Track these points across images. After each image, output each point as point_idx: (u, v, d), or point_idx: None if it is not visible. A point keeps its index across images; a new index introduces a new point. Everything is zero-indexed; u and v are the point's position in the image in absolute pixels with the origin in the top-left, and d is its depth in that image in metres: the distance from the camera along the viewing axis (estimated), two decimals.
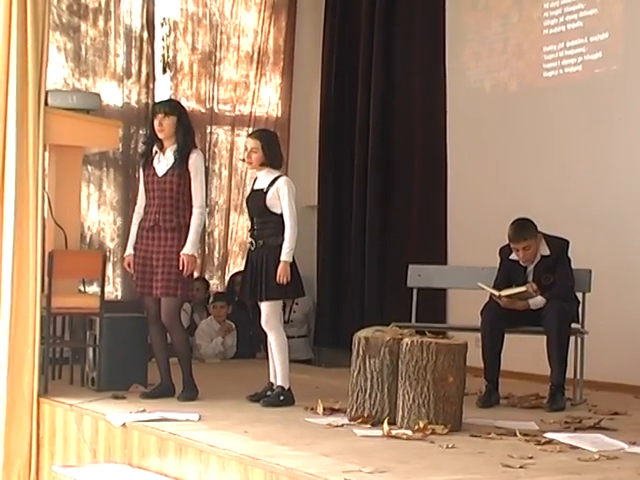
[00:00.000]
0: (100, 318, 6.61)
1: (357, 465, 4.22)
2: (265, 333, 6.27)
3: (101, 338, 6.59)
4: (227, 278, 9.66)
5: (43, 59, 6.29)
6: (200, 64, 9.73)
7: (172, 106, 6.39)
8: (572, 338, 6.30)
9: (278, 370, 6.15)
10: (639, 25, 7.29)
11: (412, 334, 5.45)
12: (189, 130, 6.31)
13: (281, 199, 6.14)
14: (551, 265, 6.41)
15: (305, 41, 10.08)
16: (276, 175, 6.22)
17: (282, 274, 6.05)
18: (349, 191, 9.51)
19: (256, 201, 6.24)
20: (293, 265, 6.13)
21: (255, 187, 6.32)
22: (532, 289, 6.29)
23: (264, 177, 6.25)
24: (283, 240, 6.10)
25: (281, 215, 6.15)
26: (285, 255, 6.07)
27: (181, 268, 6.15)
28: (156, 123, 6.24)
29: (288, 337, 6.31)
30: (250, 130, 9.34)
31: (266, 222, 6.18)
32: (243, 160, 6.64)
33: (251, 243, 6.25)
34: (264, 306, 6.15)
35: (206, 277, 9.64)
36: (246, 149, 6.38)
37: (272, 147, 6.25)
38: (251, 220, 6.32)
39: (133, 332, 6.66)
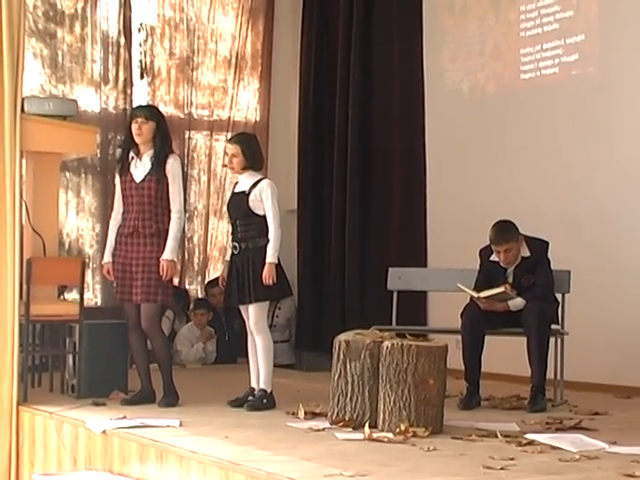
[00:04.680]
0: (80, 325, 6.57)
1: (338, 469, 4.21)
2: (246, 338, 6.27)
3: (81, 345, 6.56)
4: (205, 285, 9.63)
5: (19, 66, 6.26)
6: (178, 69, 9.71)
7: (152, 112, 6.37)
8: (552, 339, 6.32)
9: (262, 373, 6.14)
10: (615, 27, 7.33)
11: (392, 337, 5.44)
12: (166, 138, 6.30)
13: (264, 201, 6.15)
14: (531, 266, 6.42)
15: (283, 45, 10.07)
16: (258, 178, 6.24)
17: (268, 275, 6.07)
18: (329, 195, 9.51)
19: (238, 203, 6.24)
20: (278, 266, 6.16)
21: (236, 190, 6.32)
22: (509, 290, 6.30)
23: (245, 180, 6.25)
24: (267, 241, 6.11)
25: (264, 217, 6.16)
26: (270, 256, 6.09)
27: (161, 274, 6.13)
28: (135, 127, 6.22)
29: None
30: (229, 135, 9.33)
31: (249, 224, 6.18)
32: (225, 166, 6.64)
33: (234, 247, 6.24)
34: (253, 308, 6.14)
35: (186, 282, 9.62)
36: (226, 154, 6.38)
37: (252, 150, 6.26)
38: (233, 223, 6.31)
39: (113, 339, 6.64)
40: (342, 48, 9.37)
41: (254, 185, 6.19)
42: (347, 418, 5.35)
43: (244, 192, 6.21)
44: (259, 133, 9.42)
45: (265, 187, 6.17)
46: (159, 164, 6.21)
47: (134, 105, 9.19)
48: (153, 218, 6.22)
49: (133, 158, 6.29)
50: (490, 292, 6.32)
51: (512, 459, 4.49)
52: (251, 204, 6.17)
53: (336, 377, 5.42)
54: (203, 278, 9.72)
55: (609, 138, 7.33)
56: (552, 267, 6.45)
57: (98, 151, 8.60)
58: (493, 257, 6.50)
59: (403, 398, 5.19)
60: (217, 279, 6.79)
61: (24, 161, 6.66)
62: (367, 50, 9.22)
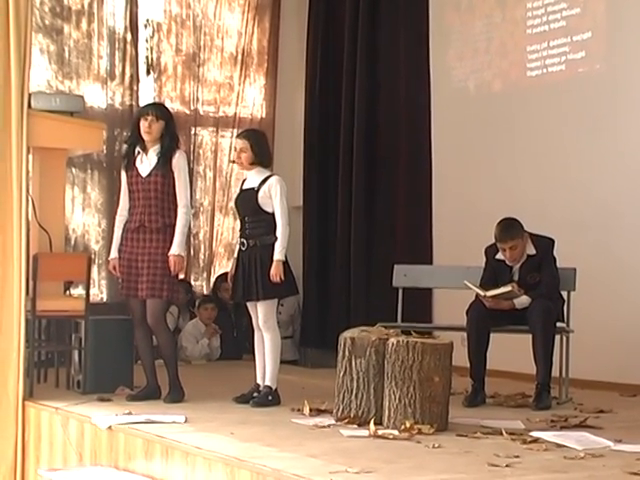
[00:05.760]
0: (85, 321, 6.59)
1: (343, 465, 4.21)
2: (252, 334, 6.28)
3: (86, 341, 6.57)
4: (212, 280, 9.64)
5: (26, 61, 6.26)
6: (184, 65, 9.72)
7: (163, 111, 6.37)
8: (557, 337, 6.32)
9: (269, 370, 6.15)
10: (621, 24, 7.32)
11: (398, 334, 5.45)
12: (174, 137, 6.31)
13: (273, 198, 6.16)
14: (537, 264, 6.42)
15: (289, 42, 10.08)
16: (267, 174, 6.24)
17: (275, 273, 6.07)
18: (334, 192, 9.51)
19: (247, 200, 6.24)
20: (286, 264, 6.16)
21: (245, 187, 6.32)
22: (516, 289, 6.30)
23: (254, 176, 6.26)
24: (275, 239, 6.11)
25: (272, 214, 6.16)
26: (278, 254, 6.09)
27: (170, 269, 6.14)
28: (145, 125, 6.21)
29: None
30: (235, 131, 9.35)
31: (258, 221, 6.18)
32: (233, 162, 6.63)
33: (242, 243, 6.24)
34: (262, 306, 6.15)
35: (191, 279, 9.63)
36: (235, 149, 6.39)
37: (261, 146, 6.26)
38: (242, 220, 6.31)
39: (119, 334, 6.65)
40: (348, 45, 9.37)
41: (263, 182, 6.19)
42: (352, 415, 5.36)
43: (253, 189, 6.21)
44: (265, 130, 9.40)
45: (274, 184, 6.18)
46: (165, 159, 6.22)
47: (140, 101, 9.22)
48: (159, 213, 6.22)
49: (139, 153, 6.29)
50: (497, 291, 6.32)
51: (517, 457, 4.49)
52: (260, 201, 6.17)
53: (341, 374, 5.43)
54: (209, 275, 9.73)
55: (615, 136, 7.32)
56: (558, 265, 6.44)
57: (104, 147, 8.60)
58: (499, 256, 6.49)
59: (408, 395, 5.19)
60: (226, 274, 6.81)
61: (30, 157, 6.67)
62: (373, 47, 9.22)
